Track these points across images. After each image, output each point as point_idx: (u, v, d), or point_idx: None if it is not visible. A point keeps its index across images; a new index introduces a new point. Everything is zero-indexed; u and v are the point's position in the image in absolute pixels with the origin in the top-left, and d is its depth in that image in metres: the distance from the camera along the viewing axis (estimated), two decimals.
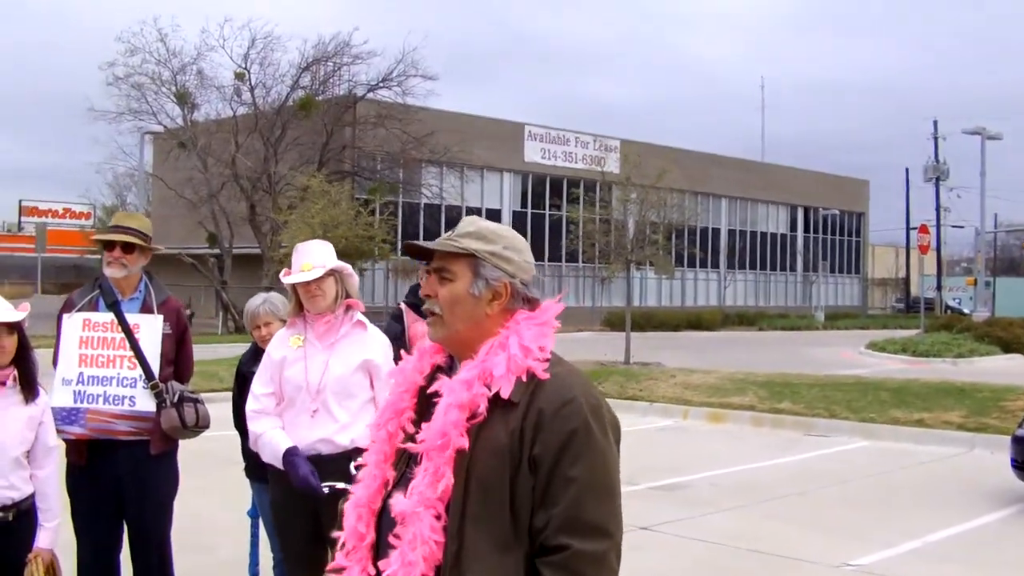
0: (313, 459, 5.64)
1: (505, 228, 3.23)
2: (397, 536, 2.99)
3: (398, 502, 3.02)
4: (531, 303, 3.17)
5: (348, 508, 3.23)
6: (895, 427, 17.25)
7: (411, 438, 3.11)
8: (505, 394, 2.97)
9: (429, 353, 3.28)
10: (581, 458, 2.94)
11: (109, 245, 6.37)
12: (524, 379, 3.00)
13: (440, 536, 2.95)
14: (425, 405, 3.14)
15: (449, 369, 3.18)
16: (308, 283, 5.77)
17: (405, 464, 3.12)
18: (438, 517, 2.96)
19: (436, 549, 2.94)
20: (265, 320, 6.86)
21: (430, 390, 3.13)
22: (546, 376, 3.02)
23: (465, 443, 2.95)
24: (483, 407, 2.98)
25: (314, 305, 5.82)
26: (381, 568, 3.03)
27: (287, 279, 5.83)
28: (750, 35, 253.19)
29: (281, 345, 5.94)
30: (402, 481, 3.09)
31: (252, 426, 5.91)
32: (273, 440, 5.77)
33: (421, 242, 3.21)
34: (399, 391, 3.28)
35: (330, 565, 3.28)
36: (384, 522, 3.11)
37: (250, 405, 5.95)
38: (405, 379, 3.29)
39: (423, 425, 3.05)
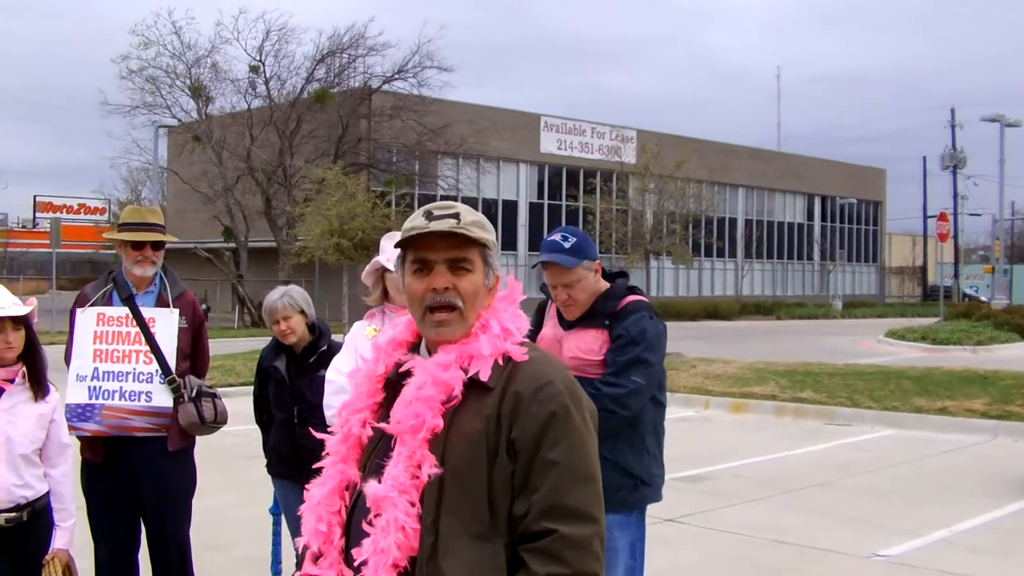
0: None
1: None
2: (370, 523, 2.85)
3: (371, 488, 2.86)
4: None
5: (305, 512, 3.06)
6: (918, 415, 17.10)
7: (380, 438, 2.98)
8: (484, 376, 2.87)
9: (387, 350, 3.13)
10: (560, 442, 2.83)
11: (138, 244, 6.24)
12: (500, 363, 2.90)
13: (415, 523, 2.81)
14: (392, 400, 2.99)
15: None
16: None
17: (379, 455, 2.95)
18: (412, 504, 2.82)
19: (411, 536, 2.80)
20: (284, 315, 6.70)
21: (403, 368, 3.00)
22: (524, 359, 2.92)
23: (439, 424, 2.83)
24: (458, 390, 2.86)
25: (399, 297, 5.71)
26: (354, 556, 2.87)
27: (390, 264, 5.70)
28: (768, 29, 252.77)
29: (360, 335, 5.81)
30: (373, 472, 2.93)
31: (335, 400, 5.60)
32: None
33: (439, 228, 2.95)
34: (358, 392, 3.13)
35: (297, 574, 3.12)
36: (353, 524, 2.96)
37: (334, 377, 5.74)
38: (365, 379, 3.13)
39: (394, 408, 2.92)
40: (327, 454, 3.11)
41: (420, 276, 2.97)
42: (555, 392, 2.86)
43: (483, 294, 2.99)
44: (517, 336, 2.96)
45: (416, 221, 2.99)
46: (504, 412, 2.84)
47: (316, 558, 3.02)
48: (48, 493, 5.37)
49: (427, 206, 3.04)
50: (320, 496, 3.04)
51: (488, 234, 3.00)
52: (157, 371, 6.11)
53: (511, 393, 2.85)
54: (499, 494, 2.83)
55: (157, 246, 6.26)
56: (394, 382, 3.03)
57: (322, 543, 3.00)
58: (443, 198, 51.73)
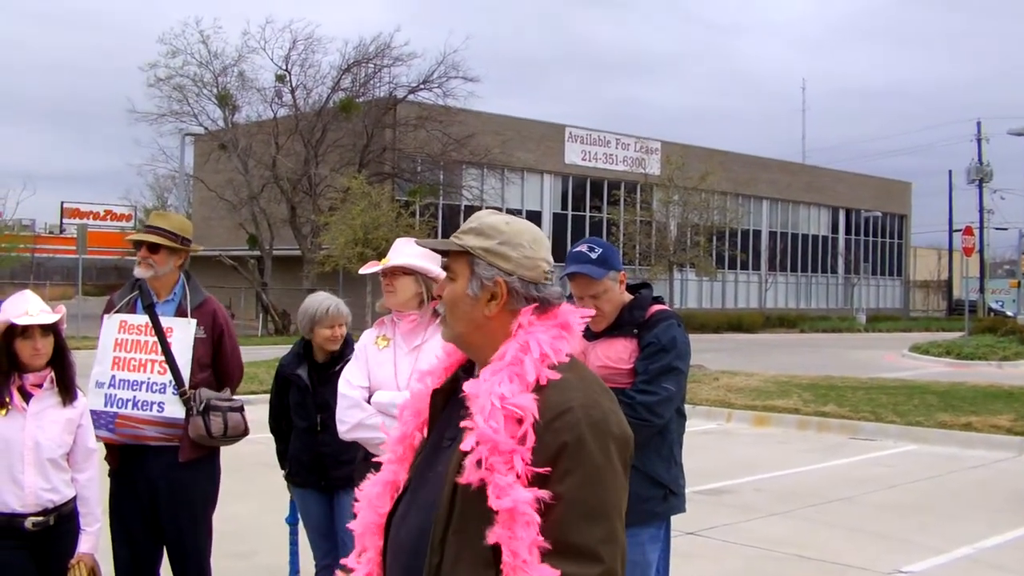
0: None
1: (513, 222, 2.98)
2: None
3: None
4: (540, 302, 2.92)
5: (360, 507, 3.09)
6: (943, 431, 16.99)
7: (440, 440, 2.94)
8: None
9: (450, 364, 3.11)
10: (570, 474, 2.68)
11: (138, 244, 6.32)
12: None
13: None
14: (438, 411, 3.01)
15: (470, 368, 3.03)
16: (381, 275, 5.67)
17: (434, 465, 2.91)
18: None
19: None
20: (338, 321, 6.67)
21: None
22: (545, 383, 2.78)
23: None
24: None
25: (386, 299, 5.71)
26: None
27: (362, 268, 5.76)
28: (794, 43, 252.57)
29: (369, 344, 5.80)
30: (417, 483, 2.94)
31: (349, 415, 5.60)
32: (383, 401, 5.50)
33: (428, 240, 3.05)
34: (422, 392, 3.07)
35: (344, 560, 3.16)
36: (391, 526, 2.96)
37: (346, 391, 5.69)
38: (433, 379, 3.07)
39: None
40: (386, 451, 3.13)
41: None
42: (572, 421, 2.72)
43: (466, 303, 2.92)
44: (552, 360, 2.82)
45: None
46: None
47: (360, 553, 3.05)
48: (75, 498, 5.40)
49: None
50: (373, 494, 3.06)
51: (479, 240, 2.93)
52: (171, 382, 6.13)
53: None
54: None
55: (153, 248, 6.26)
56: (445, 393, 3.02)
57: (368, 536, 3.03)
58: (467, 208, 52.09)
